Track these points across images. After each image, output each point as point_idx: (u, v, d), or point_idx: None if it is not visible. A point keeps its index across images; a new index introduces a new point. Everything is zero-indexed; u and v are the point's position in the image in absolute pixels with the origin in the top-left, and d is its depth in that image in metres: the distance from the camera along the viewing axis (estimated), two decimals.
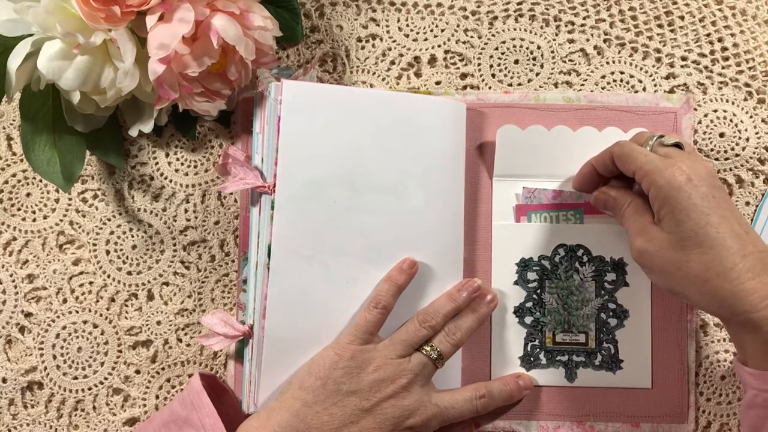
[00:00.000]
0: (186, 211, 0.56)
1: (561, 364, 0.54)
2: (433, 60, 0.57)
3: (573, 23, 0.57)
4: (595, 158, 0.51)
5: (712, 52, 0.57)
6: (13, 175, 0.57)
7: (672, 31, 0.57)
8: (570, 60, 0.57)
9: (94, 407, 0.56)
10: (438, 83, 0.57)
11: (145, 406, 0.56)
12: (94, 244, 0.56)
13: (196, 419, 0.48)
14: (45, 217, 0.57)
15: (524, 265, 0.55)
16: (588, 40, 0.57)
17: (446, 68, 0.57)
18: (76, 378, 0.56)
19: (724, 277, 0.43)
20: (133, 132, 0.53)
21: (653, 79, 0.57)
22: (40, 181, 0.57)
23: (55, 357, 0.56)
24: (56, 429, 0.56)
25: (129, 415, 0.56)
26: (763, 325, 0.42)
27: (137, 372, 0.56)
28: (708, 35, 0.57)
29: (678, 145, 0.48)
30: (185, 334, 0.56)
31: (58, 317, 0.56)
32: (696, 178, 0.45)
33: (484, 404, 0.51)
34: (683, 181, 0.44)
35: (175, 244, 0.56)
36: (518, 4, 0.57)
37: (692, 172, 0.45)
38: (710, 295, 0.44)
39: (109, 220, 0.57)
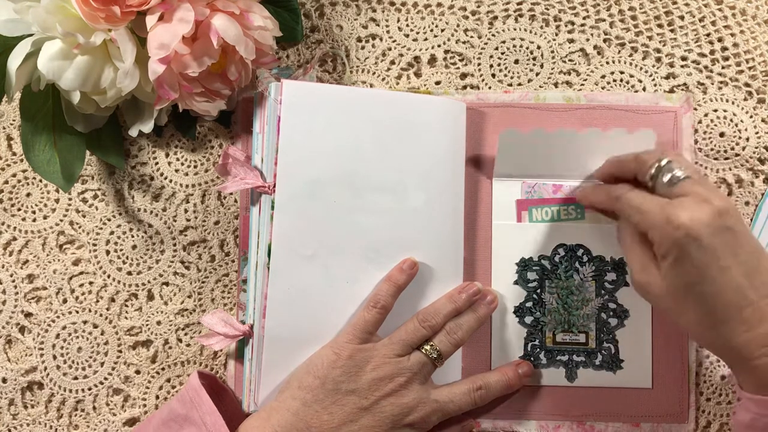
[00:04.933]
0: (186, 211, 0.56)
1: (561, 364, 0.54)
2: (433, 60, 0.57)
3: (573, 23, 0.57)
4: (599, 173, 0.52)
5: (712, 52, 0.57)
6: (13, 175, 0.57)
7: (672, 31, 0.57)
8: (570, 60, 0.57)
9: (94, 407, 0.56)
10: (438, 83, 0.57)
11: (145, 406, 0.56)
12: (94, 244, 0.56)
13: (196, 417, 0.48)
14: (45, 217, 0.57)
15: (524, 265, 0.55)
16: (588, 39, 0.57)
17: (446, 68, 0.57)
18: (76, 378, 0.56)
19: (716, 331, 0.43)
20: (133, 132, 0.53)
21: (653, 79, 0.57)
22: (40, 181, 0.57)
23: (55, 357, 0.56)
24: (56, 429, 0.56)
25: (129, 415, 0.56)
26: (758, 373, 0.43)
27: (137, 372, 0.56)
28: (708, 35, 0.57)
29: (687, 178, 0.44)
30: (185, 334, 0.56)
31: (58, 317, 0.56)
32: (696, 228, 0.42)
33: (482, 396, 0.51)
34: (681, 236, 0.42)
35: (175, 244, 0.56)
36: (518, 4, 0.57)
37: (692, 223, 0.42)
38: (707, 342, 0.45)
39: (109, 220, 0.57)
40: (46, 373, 0.56)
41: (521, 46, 0.57)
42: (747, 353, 0.42)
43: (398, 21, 0.58)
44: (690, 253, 0.42)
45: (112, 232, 0.56)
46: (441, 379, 0.52)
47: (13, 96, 0.48)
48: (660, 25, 0.57)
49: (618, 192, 0.48)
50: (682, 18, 0.57)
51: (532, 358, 0.54)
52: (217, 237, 0.56)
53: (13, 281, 0.56)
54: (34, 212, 0.57)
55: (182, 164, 0.57)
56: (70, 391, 0.56)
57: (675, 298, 0.44)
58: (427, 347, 0.50)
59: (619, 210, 0.48)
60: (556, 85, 0.57)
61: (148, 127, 0.52)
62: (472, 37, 0.57)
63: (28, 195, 0.57)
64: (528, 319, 0.54)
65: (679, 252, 0.43)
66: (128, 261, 0.56)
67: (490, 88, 0.57)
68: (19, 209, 0.57)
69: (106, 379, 0.56)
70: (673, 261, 0.43)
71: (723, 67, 0.57)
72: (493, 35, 0.57)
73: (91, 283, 0.56)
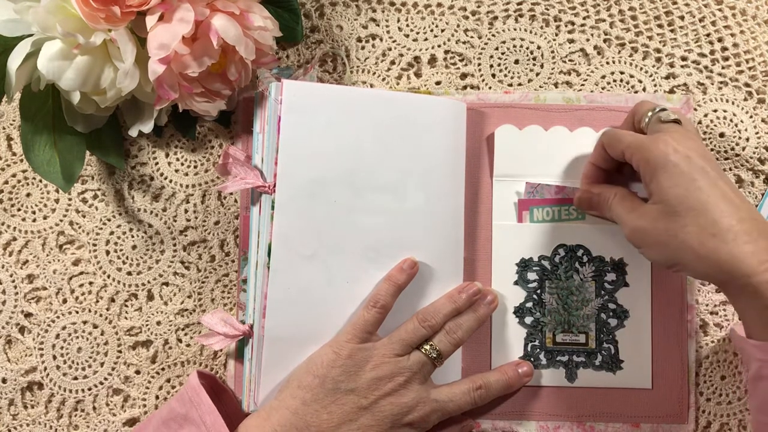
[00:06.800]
0: (186, 211, 0.56)
1: (561, 365, 0.54)
2: (433, 60, 0.57)
3: (573, 23, 0.57)
4: (592, 155, 0.52)
5: (712, 52, 0.57)
6: (13, 175, 0.57)
7: (672, 31, 0.57)
8: (570, 60, 0.57)
9: (94, 407, 0.56)
10: (438, 83, 0.57)
11: (145, 406, 0.56)
12: (94, 245, 0.56)
13: (196, 416, 0.48)
14: (45, 217, 0.57)
15: (524, 265, 0.55)
16: (588, 40, 0.57)
17: (446, 68, 0.57)
18: (76, 378, 0.56)
19: (720, 237, 0.42)
20: (133, 132, 0.53)
21: (653, 79, 0.57)
22: (40, 181, 0.57)
23: (55, 357, 0.56)
24: (56, 429, 0.56)
25: (129, 416, 0.56)
26: (764, 290, 0.41)
27: (137, 372, 0.56)
28: (708, 35, 0.57)
29: (677, 121, 0.47)
30: (185, 334, 0.56)
31: (58, 317, 0.56)
32: (683, 149, 0.44)
33: (482, 395, 0.51)
34: (670, 152, 0.44)
35: (175, 244, 0.56)
36: (518, 4, 0.57)
37: (679, 144, 0.45)
38: (708, 259, 0.42)
39: (109, 220, 0.57)
40: (46, 374, 0.56)
41: (521, 46, 0.57)
42: (751, 266, 0.41)
43: (398, 21, 0.58)
44: (679, 166, 0.44)
45: (112, 232, 0.56)
46: (441, 378, 0.52)
47: (13, 96, 0.48)
48: (660, 26, 0.57)
49: (608, 191, 0.50)
50: (682, 18, 0.57)
51: (532, 359, 0.54)
52: (217, 237, 0.56)
53: (13, 281, 0.56)
54: (34, 212, 0.57)
55: (182, 164, 0.57)
56: (70, 391, 0.56)
57: (672, 214, 0.44)
58: (427, 347, 0.50)
59: (607, 144, 0.49)
60: (556, 85, 0.57)
61: (148, 127, 0.52)
62: (472, 37, 0.57)
63: (28, 195, 0.57)
64: (528, 320, 0.54)
65: (668, 167, 0.44)
66: (128, 261, 0.56)
67: (490, 88, 0.57)
68: (19, 209, 0.57)
69: (106, 379, 0.56)
70: (663, 177, 0.44)
71: (723, 67, 0.57)
72: (493, 35, 0.57)
73: (91, 283, 0.56)
